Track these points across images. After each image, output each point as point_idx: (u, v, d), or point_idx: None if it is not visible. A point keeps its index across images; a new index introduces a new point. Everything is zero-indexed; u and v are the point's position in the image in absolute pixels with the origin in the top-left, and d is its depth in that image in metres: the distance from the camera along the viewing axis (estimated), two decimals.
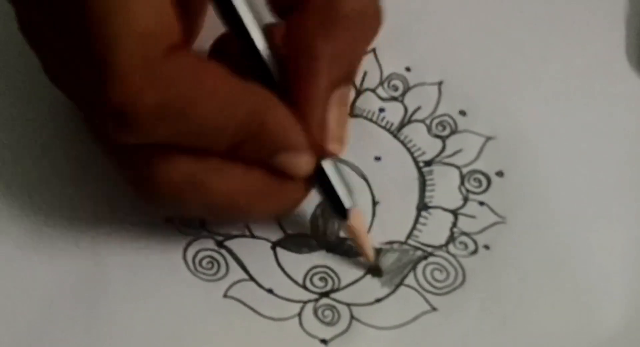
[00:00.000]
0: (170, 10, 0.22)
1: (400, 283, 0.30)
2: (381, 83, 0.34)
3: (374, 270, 0.30)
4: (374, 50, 0.34)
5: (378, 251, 0.30)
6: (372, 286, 0.30)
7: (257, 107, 0.24)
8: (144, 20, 0.21)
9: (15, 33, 0.27)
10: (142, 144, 0.24)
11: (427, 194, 0.32)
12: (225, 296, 0.29)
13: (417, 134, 0.33)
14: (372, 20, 0.24)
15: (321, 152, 0.26)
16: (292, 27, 0.24)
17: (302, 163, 0.26)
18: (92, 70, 0.22)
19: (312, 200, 0.31)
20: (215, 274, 0.29)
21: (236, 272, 0.29)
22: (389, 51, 0.34)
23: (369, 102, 0.33)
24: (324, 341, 0.29)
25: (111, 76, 0.21)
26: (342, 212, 0.28)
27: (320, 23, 0.23)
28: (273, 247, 0.30)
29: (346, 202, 0.28)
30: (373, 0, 0.24)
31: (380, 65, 0.34)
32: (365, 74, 0.34)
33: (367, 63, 0.34)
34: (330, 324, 0.29)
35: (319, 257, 0.30)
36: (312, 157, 0.26)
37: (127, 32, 0.21)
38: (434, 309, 0.29)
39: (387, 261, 0.30)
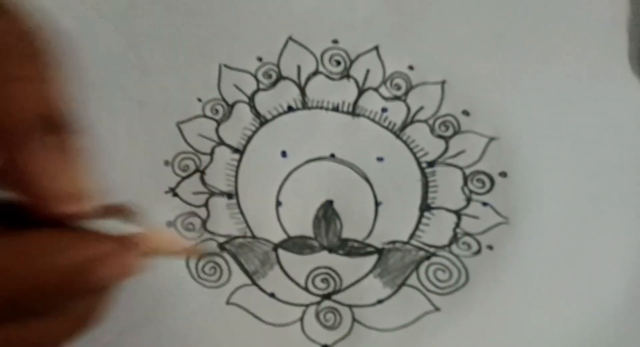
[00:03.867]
0: None
1: (403, 283, 0.30)
2: (384, 81, 0.33)
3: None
4: (376, 48, 0.34)
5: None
6: (374, 287, 0.30)
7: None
8: None
9: None
10: None
11: (430, 195, 0.31)
12: (228, 302, 0.29)
13: (420, 134, 0.32)
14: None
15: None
16: None
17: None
18: None
19: (314, 201, 0.31)
20: (218, 279, 0.29)
21: (239, 277, 0.29)
22: (392, 49, 0.33)
23: (371, 102, 0.33)
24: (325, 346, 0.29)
25: None
26: None
27: None
28: (275, 249, 0.30)
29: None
30: None
31: (382, 63, 0.33)
32: (367, 72, 0.33)
33: (369, 61, 0.33)
34: (332, 328, 0.29)
35: (321, 259, 0.30)
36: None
37: None
38: (437, 309, 0.29)
39: (390, 260, 0.30)
